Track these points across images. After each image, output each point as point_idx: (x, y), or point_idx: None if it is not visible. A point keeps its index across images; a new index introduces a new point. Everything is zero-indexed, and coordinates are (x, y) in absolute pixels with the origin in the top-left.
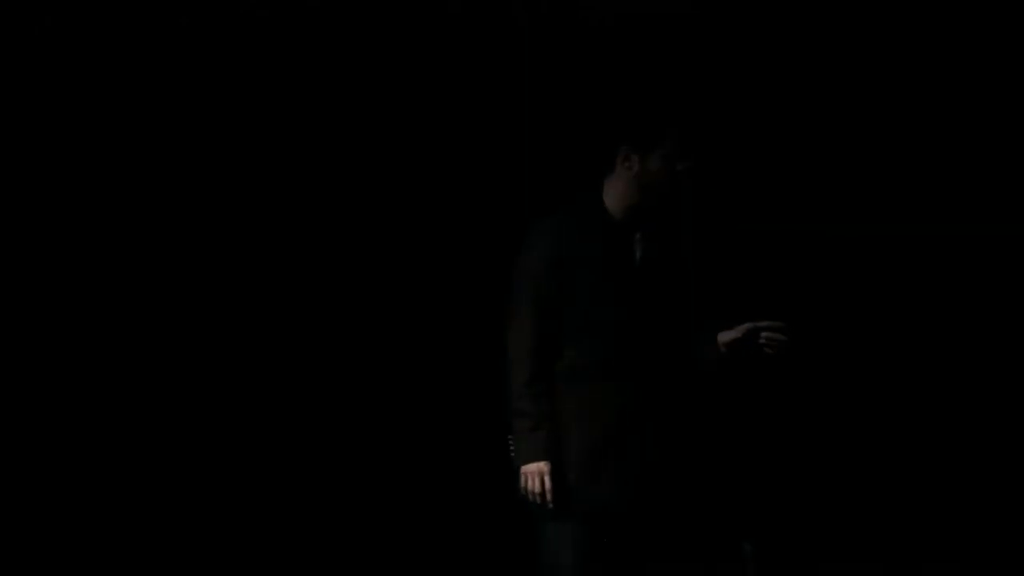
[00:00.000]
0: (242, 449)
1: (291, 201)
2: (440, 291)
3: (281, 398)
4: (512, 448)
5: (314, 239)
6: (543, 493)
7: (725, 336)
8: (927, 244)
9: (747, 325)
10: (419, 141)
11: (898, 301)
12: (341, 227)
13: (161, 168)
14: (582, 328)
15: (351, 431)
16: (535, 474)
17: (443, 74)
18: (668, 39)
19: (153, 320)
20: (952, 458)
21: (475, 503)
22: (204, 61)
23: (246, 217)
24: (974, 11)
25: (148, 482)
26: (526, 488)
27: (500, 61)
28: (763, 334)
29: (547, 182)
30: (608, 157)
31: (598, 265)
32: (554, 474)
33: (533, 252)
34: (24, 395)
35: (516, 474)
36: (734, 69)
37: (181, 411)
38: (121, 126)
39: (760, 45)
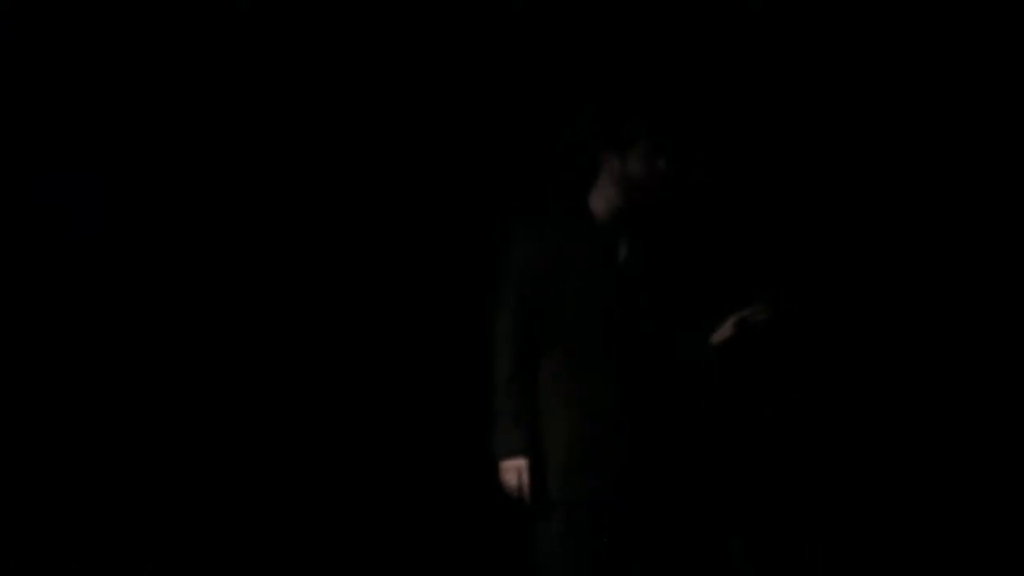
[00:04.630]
0: (236, 449)
1: (276, 201)
2: (430, 289)
3: (276, 397)
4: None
5: (304, 238)
6: (520, 488)
7: (718, 337)
8: (925, 242)
9: (732, 319)
10: (408, 139)
11: (893, 299)
12: (329, 227)
13: (158, 167)
14: (564, 327)
15: (344, 430)
16: (513, 470)
17: (427, 72)
18: (642, 35)
19: (149, 319)
20: (948, 456)
21: (471, 502)
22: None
23: (240, 216)
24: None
25: (143, 482)
26: (504, 483)
27: (485, 58)
28: (751, 319)
29: (535, 182)
30: (593, 159)
31: (580, 265)
32: (532, 470)
33: (515, 251)
34: (24, 395)
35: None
36: (714, 63)
37: (177, 411)
38: (119, 125)
39: (742, 36)
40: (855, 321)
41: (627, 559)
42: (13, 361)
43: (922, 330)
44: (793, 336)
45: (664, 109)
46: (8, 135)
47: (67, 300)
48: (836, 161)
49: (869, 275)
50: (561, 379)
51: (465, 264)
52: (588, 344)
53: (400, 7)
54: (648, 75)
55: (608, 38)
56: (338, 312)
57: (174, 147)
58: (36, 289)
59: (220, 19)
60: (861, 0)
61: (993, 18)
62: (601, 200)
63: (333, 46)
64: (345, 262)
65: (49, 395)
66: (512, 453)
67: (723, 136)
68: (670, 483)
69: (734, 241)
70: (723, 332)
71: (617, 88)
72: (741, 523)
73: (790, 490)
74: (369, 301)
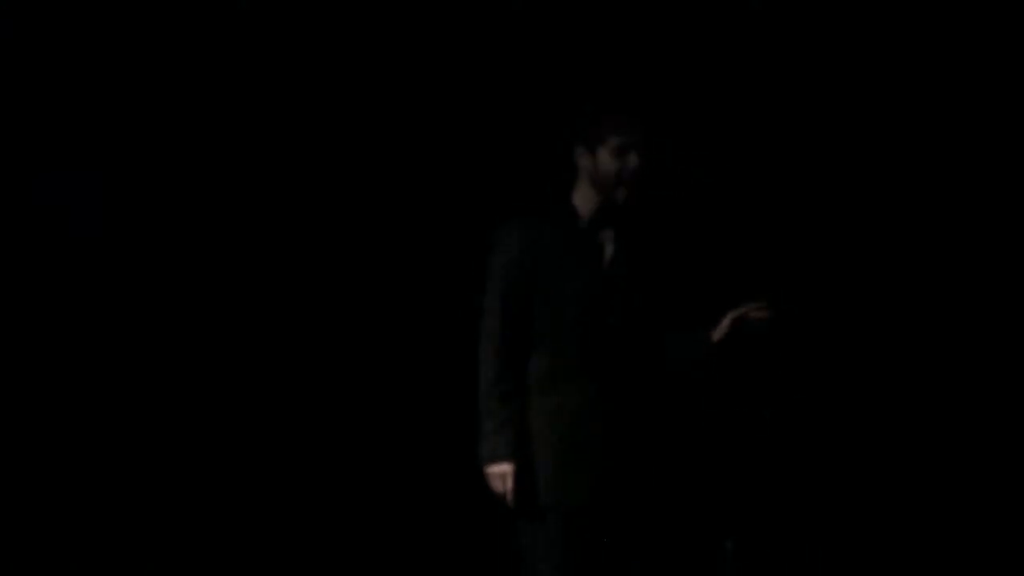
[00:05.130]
0: (233, 449)
1: (274, 201)
2: (418, 293)
3: (271, 397)
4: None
5: (300, 238)
6: (505, 493)
7: (717, 335)
8: (922, 239)
9: (730, 316)
10: (403, 139)
11: (884, 299)
12: (324, 227)
13: (157, 167)
14: (551, 330)
15: (335, 433)
16: (498, 475)
17: (423, 73)
18: (641, 35)
19: (149, 319)
20: (938, 456)
21: (461, 507)
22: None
23: (238, 216)
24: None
25: (141, 480)
26: (490, 488)
27: (481, 59)
28: (749, 316)
29: (525, 183)
30: (572, 158)
31: (564, 266)
32: (519, 475)
33: (501, 255)
34: (24, 394)
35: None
36: (712, 62)
37: (175, 409)
38: (119, 125)
39: (711, 29)
40: (851, 321)
41: (621, 563)
42: (13, 360)
43: (919, 330)
44: (791, 335)
45: (638, 106)
46: (8, 135)
47: (67, 300)
48: (832, 160)
49: (865, 274)
50: (548, 382)
51: (453, 267)
52: (574, 346)
53: (397, 8)
54: (645, 74)
55: (607, 38)
56: (333, 313)
57: (173, 147)
58: (36, 289)
59: (220, 19)
60: (861, 0)
61: (993, 18)
62: (582, 199)
63: (331, 46)
64: (339, 264)
65: (49, 394)
66: (497, 458)
67: (715, 135)
68: (662, 485)
69: (724, 239)
70: (721, 329)
71: (610, 87)
72: (736, 525)
73: (787, 492)
74: (359, 304)
